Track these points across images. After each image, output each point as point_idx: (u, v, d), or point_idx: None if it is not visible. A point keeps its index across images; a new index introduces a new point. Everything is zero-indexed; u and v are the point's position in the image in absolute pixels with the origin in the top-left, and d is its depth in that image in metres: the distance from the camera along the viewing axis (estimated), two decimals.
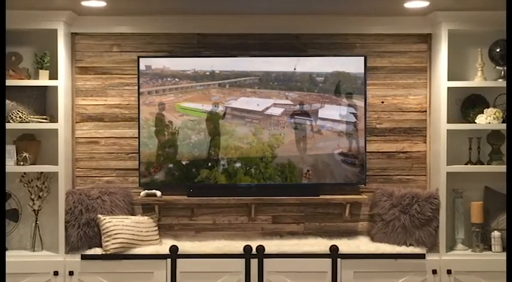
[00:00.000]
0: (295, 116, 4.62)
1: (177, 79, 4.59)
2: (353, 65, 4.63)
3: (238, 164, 4.62)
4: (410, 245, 4.47)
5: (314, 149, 4.63)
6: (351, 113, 4.63)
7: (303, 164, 4.64)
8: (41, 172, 4.53)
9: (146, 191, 4.59)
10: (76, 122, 4.71)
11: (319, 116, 4.63)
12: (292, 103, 4.62)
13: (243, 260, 4.37)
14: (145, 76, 4.61)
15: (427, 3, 4.24)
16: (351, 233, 4.75)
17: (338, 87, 4.60)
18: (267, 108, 4.61)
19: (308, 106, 4.62)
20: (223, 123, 4.62)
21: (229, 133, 4.61)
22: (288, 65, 4.62)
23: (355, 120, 4.63)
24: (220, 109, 4.61)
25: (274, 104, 4.61)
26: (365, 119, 4.65)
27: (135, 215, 4.60)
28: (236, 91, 4.61)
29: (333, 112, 4.63)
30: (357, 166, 4.64)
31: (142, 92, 4.60)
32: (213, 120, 4.59)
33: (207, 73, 4.61)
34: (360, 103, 4.63)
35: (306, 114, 4.63)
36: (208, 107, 4.61)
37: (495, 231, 4.53)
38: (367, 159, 4.68)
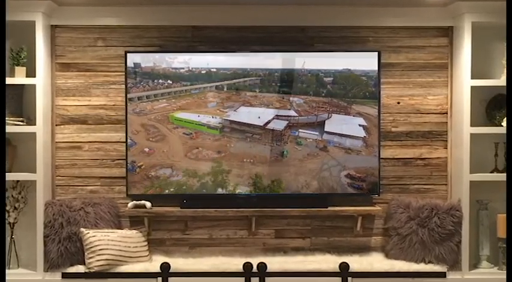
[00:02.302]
0: (300, 129, 4.50)
1: (169, 81, 4.50)
2: (365, 61, 4.52)
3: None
4: (430, 262, 4.37)
5: (319, 169, 4.50)
6: (360, 125, 4.50)
7: (307, 189, 4.53)
8: (17, 181, 4.46)
9: (134, 201, 4.50)
10: (56, 125, 4.62)
11: (326, 129, 4.50)
12: (296, 114, 4.50)
13: (242, 279, 4.28)
14: (133, 76, 4.50)
15: None
16: (363, 249, 4.67)
17: (347, 92, 4.49)
18: (269, 121, 4.51)
19: (314, 117, 4.49)
20: (223, 143, 4.50)
21: (228, 152, 4.51)
22: (292, 61, 4.51)
23: (365, 134, 4.50)
24: (218, 121, 4.50)
25: (276, 115, 4.51)
26: (379, 121, 4.56)
27: (122, 229, 4.51)
28: (235, 95, 4.51)
29: (341, 125, 4.49)
30: (364, 190, 4.54)
31: (132, 98, 4.50)
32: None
33: (203, 72, 4.51)
34: (372, 111, 4.49)
35: (310, 126, 4.50)
36: (205, 119, 4.49)
37: None
38: (381, 166, 4.58)
